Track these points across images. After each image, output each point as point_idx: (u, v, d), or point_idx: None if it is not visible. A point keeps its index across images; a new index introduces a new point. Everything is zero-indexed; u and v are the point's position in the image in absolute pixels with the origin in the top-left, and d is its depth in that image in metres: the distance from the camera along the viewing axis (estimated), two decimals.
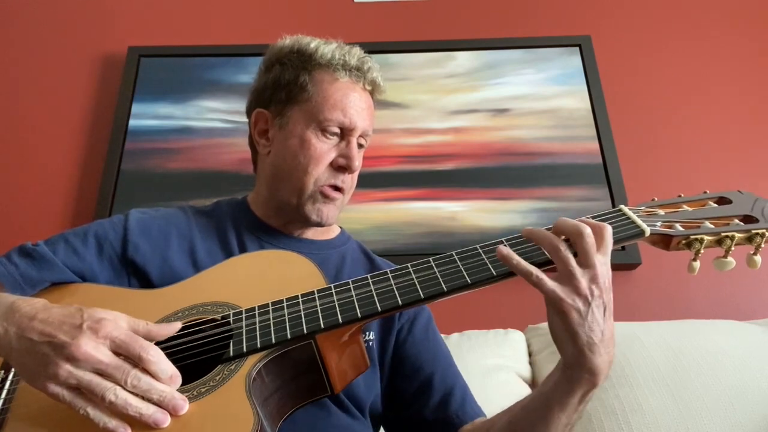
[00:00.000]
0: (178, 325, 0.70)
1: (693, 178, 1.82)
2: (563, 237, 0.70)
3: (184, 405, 0.62)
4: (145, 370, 0.62)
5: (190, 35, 2.07)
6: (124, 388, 0.60)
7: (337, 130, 0.97)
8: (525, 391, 1.37)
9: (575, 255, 0.68)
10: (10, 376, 0.72)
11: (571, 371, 0.69)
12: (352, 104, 0.97)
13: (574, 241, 0.68)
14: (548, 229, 0.72)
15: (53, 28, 2.11)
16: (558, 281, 0.67)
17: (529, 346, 1.50)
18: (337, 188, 0.98)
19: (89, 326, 0.62)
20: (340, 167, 0.97)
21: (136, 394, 0.60)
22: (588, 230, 0.67)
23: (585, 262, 0.67)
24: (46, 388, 0.60)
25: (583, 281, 0.66)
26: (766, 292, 1.67)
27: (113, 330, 0.62)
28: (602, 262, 0.67)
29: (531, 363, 1.47)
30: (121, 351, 0.62)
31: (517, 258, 0.69)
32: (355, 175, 1.01)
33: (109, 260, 0.91)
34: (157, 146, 1.88)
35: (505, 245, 0.74)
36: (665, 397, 1.21)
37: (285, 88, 0.99)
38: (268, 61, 1.05)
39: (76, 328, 0.61)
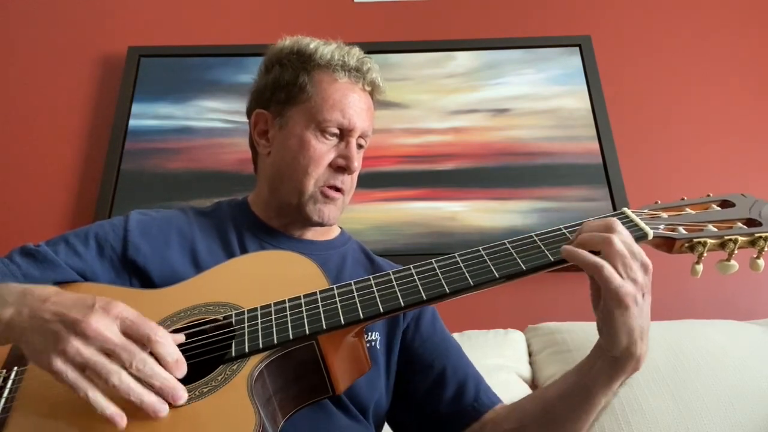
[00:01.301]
0: (182, 337, 0.70)
1: (693, 178, 1.82)
2: None
3: (183, 396, 0.62)
4: (152, 355, 0.62)
5: (190, 35, 2.07)
6: (128, 372, 0.60)
7: (337, 131, 0.97)
8: (525, 391, 1.37)
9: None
10: (12, 375, 0.72)
11: (620, 360, 0.70)
12: (351, 105, 0.97)
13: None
14: (568, 228, 0.75)
15: (53, 28, 2.10)
16: (620, 275, 0.68)
17: (529, 346, 1.50)
18: (337, 189, 0.98)
19: (101, 306, 0.62)
20: (339, 168, 0.97)
21: (139, 380, 0.60)
22: (618, 223, 0.70)
23: (631, 254, 0.68)
24: (52, 364, 0.60)
25: (639, 273, 0.67)
26: (766, 292, 1.67)
27: (123, 311, 0.63)
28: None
29: (531, 363, 1.47)
30: (130, 331, 0.62)
31: (583, 252, 0.69)
32: (355, 175, 1.01)
33: (110, 261, 0.91)
34: (157, 146, 1.88)
35: (507, 246, 0.75)
36: (665, 397, 1.21)
37: (284, 89, 0.99)
38: (268, 62, 1.05)
39: (88, 308, 0.62)
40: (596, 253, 0.69)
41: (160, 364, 0.62)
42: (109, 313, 0.62)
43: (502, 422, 0.88)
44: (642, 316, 0.68)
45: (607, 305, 0.68)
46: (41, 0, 2.15)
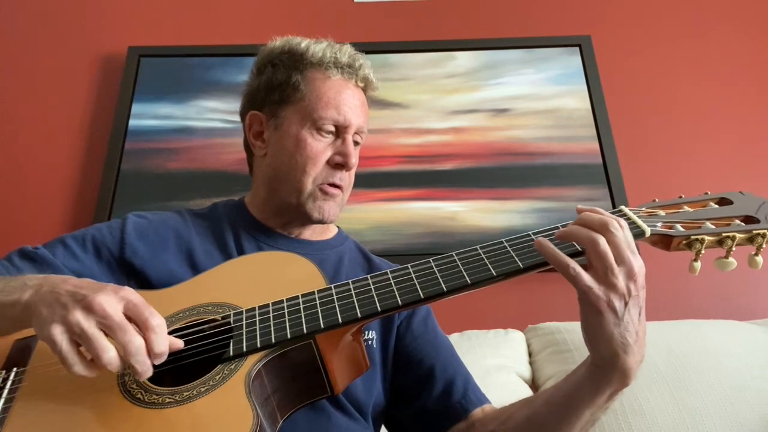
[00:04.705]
0: (181, 344, 0.70)
1: (693, 178, 1.82)
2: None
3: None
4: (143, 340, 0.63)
5: (190, 35, 2.07)
6: (117, 351, 0.61)
7: (332, 128, 0.97)
8: (525, 391, 1.37)
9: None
10: (12, 376, 0.72)
11: (602, 371, 0.68)
12: (345, 101, 0.97)
13: (603, 236, 0.65)
14: (564, 226, 0.71)
15: (53, 28, 2.10)
16: (595, 278, 0.64)
17: (529, 346, 1.50)
18: (335, 185, 0.98)
19: (112, 288, 0.64)
20: (337, 165, 0.97)
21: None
22: (616, 223, 0.66)
23: (619, 258, 0.64)
24: (51, 332, 0.61)
25: (620, 278, 0.64)
26: (766, 292, 1.67)
27: (130, 294, 0.64)
28: (635, 259, 0.65)
29: (531, 363, 1.47)
30: (131, 313, 0.63)
31: (553, 248, 0.67)
32: (353, 172, 1.02)
33: (108, 264, 0.91)
34: (157, 146, 1.88)
35: (504, 244, 0.74)
36: (665, 397, 1.21)
37: (278, 89, 0.99)
38: (260, 63, 1.06)
39: (100, 288, 0.64)
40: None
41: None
42: (117, 294, 0.63)
43: (489, 423, 0.87)
44: (622, 325, 0.64)
45: (581, 308, 0.67)
46: (41, 0, 2.15)
